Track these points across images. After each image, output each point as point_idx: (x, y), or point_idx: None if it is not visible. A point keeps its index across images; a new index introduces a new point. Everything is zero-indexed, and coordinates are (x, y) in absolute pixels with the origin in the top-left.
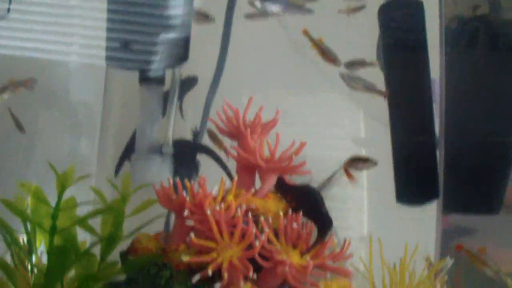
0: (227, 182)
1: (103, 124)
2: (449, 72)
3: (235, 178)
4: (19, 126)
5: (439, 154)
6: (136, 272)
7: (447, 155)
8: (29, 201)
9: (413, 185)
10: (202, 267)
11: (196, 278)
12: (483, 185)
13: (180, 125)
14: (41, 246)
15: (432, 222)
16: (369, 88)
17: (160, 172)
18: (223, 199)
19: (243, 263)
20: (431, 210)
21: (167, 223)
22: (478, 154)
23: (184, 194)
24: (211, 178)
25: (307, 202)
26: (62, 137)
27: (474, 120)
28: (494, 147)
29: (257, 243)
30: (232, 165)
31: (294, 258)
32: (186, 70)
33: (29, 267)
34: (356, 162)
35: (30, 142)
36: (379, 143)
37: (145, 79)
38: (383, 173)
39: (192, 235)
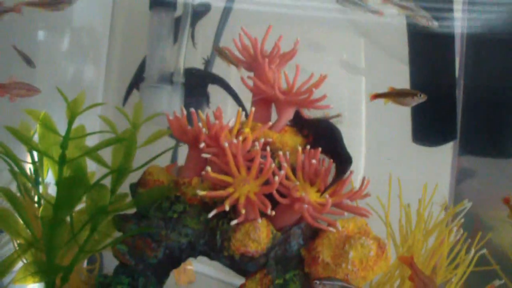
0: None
1: (110, 51)
2: (471, 12)
3: (250, 110)
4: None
5: (458, 95)
6: (147, 205)
7: (466, 96)
8: (36, 129)
9: (430, 125)
10: (216, 202)
11: (212, 213)
12: (500, 128)
13: (191, 54)
14: (48, 177)
15: (447, 164)
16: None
17: (171, 102)
18: (239, 132)
19: (260, 199)
20: (446, 152)
21: (174, 156)
22: (496, 97)
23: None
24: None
25: (326, 138)
26: (65, 63)
27: (493, 61)
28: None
29: (275, 179)
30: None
31: (311, 195)
32: None
33: (36, 198)
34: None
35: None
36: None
37: (156, 3)
38: (400, 112)
39: (208, 168)
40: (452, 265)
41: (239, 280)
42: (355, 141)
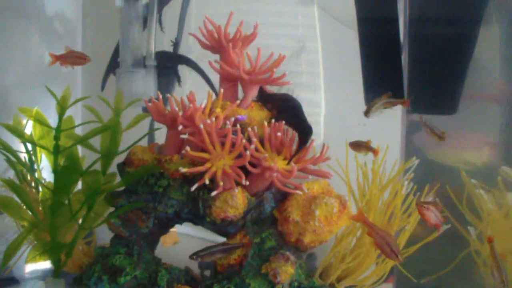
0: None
1: (84, 38)
2: None
3: (218, 90)
4: None
5: (404, 58)
6: (135, 182)
7: (411, 57)
8: (27, 123)
9: (378, 88)
10: (195, 175)
11: (194, 187)
12: (445, 87)
13: (160, 38)
14: (41, 165)
15: (398, 122)
16: None
17: (145, 84)
18: (211, 111)
19: (235, 171)
20: (396, 112)
21: (151, 136)
22: (440, 57)
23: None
24: (190, 88)
25: (288, 111)
26: (41, 51)
27: (436, 19)
28: (454, 48)
29: (247, 152)
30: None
31: (279, 163)
32: None
33: (33, 184)
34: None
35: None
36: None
37: None
38: (353, 77)
39: (187, 147)
40: (405, 214)
41: (220, 237)
42: (315, 105)
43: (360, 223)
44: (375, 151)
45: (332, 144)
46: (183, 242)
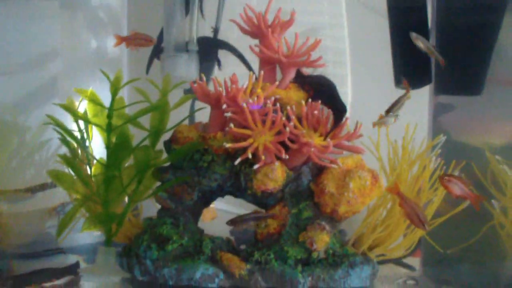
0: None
1: (130, 26)
2: None
3: (258, 73)
4: None
5: (432, 42)
6: (181, 158)
7: (439, 42)
8: (80, 104)
9: (408, 71)
10: (237, 151)
11: (237, 161)
12: (470, 70)
13: (201, 24)
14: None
15: (425, 104)
16: None
17: (188, 68)
18: (252, 92)
19: (275, 146)
20: (424, 93)
21: (191, 117)
22: (466, 42)
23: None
24: (230, 72)
25: (323, 91)
26: (88, 39)
27: (464, 7)
28: (479, 33)
29: (286, 129)
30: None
31: (316, 140)
32: None
33: (85, 160)
34: None
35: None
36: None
37: None
38: (383, 60)
39: (231, 125)
40: (433, 188)
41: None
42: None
43: (393, 194)
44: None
45: (365, 123)
46: (220, 217)
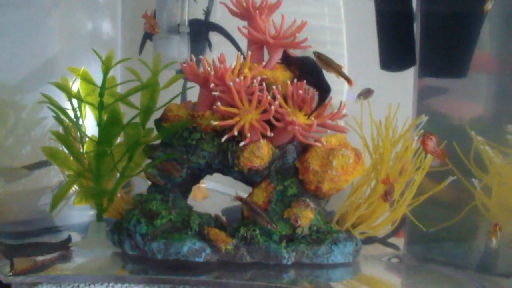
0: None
1: (124, 8)
2: None
3: (245, 53)
4: None
5: (416, 27)
6: (170, 136)
7: (423, 26)
8: (73, 83)
9: (394, 54)
10: (225, 129)
11: (224, 138)
12: (453, 52)
13: (192, 7)
14: (85, 120)
15: (410, 85)
16: None
17: (180, 49)
18: (240, 72)
19: (261, 124)
20: (409, 75)
21: (183, 96)
22: (449, 25)
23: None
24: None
25: (309, 71)
26: (84, 20)
27: None
28: (464, 17)
29: (272, 108)
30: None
31: (300, 118)
32: None
33: (78, 137)
34: None
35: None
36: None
37: None
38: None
39: (218, 103)
40: (415, 167)
41: (246, 193)
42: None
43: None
44: (349, 81)
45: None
46: (212, 197)
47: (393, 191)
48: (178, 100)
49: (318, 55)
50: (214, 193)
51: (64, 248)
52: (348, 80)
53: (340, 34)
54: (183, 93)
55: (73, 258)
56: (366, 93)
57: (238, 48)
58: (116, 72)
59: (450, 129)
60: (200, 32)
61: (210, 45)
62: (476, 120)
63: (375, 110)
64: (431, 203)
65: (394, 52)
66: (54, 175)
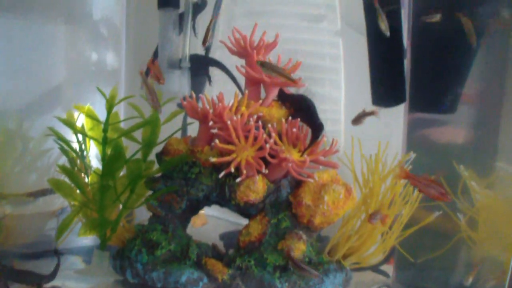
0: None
1: (128, 41)
2: None
3: (244, 89)
4: None
5: (407, 64)
6: (171, 169)
7: (413, 64)
8: (78, 117)
9: (384, 91)
10: (223, 165)
11: (222, 174)
12: (443, 89)
13: (193, 42)
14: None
15: (400, 120)
16: None
17: (180, 84)
18: (237, 109)
19: (256, 161)
20: (399, 111)
21: (183, 130)
22: (439, 64)
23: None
24: (219, 87)
25: (303, 110)
26: (89, 52)
27: (436, 31)
28: (454, 54)
29: (267, 145)
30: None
31: (294, 155)
32: None
33: (83, 169)
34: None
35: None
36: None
37: (163, 3)
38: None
39: (216, 140)
40: (404, 201)
41: (243, 219)
42: (338, 103)
43: (402, 178)
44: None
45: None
46: (210, 223)
47: (378, 214)
48: (178, 134)
49: (262, 63)
50: (213, 219)
51: (50, 280)
52: (294, 82)
53: (338, 73)
54: (184, 128)
55: (77, 284)
56: (363, 116)
57: (237, 84)
58: (120, 105)
59: (439, 162)
60: (200, 67)
61: (210, 80)
62: (464, 150)
63: (369, 144)
64: (421, 232)
65: (385, 89)
66: (58, 202)
